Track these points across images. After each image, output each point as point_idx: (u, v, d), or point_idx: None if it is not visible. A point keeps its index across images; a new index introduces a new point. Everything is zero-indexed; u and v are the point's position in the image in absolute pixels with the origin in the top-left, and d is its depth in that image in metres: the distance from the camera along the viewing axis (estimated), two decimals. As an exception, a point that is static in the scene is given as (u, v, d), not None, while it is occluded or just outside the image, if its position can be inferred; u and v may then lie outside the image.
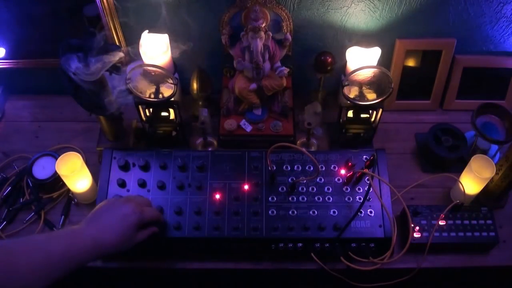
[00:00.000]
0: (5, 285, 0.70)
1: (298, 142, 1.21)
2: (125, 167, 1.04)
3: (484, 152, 1.17)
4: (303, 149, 1.00)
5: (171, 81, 1.02)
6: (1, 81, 1.32)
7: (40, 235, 0.97)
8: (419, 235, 1.02)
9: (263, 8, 1.05)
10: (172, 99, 1.03)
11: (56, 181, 1.11)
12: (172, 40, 1.05)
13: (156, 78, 1.04)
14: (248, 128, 1.18)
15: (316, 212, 1.00)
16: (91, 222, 0.87)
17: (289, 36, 1.11)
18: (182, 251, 1.02)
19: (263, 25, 1.04)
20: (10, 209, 1.10)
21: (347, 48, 1.10)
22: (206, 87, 1.20)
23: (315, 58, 1.16)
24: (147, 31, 1.04)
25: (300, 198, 1.01)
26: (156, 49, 1.03)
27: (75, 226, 0.86)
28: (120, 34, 1.15)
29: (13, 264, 0.72)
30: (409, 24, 1.15)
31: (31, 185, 1.13)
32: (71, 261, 0.78)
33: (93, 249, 0.82)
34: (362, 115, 1.11)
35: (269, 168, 1.03)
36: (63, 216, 1.10)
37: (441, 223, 1.03)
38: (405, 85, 1.26)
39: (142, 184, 1.02)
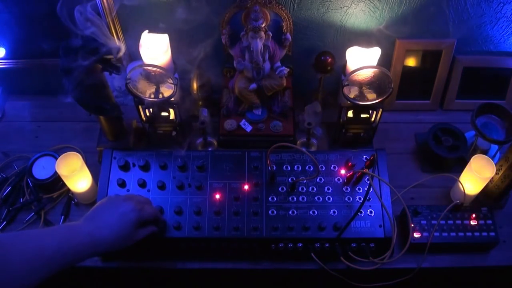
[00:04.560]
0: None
1: (298, 142, 1.21)
2: (125, 167, 1.04)
3: (484, 152, 1.17)
4: (303, 149, 1.00)
5: (171, 81, 1.02)
6: (1, 81, 1.32)
7: (35, 230, 0.97)
8: (419, 235, 1.02)
9: (263, 8, 1.05)
10: (172, 99, 1.03)
11: (56, 181, 1.11)
12: (172, 40, 1.05)
13: (156, 78, 1.04)
14: (248, 128, 1.18)
15: (316, 212, 1.00)
16: (89, 219, 0.87)
17: (289, 36, 1.11)
18: (182, 251, 1.02)
19: (263, 25, 1.04)
20: (10, 209, 1.10)
21: (347, 48, 1.10)
22: (206, 87, 1.20)
23: (315, 58, 1.16)
24: (147, 31, 1.04)
25: (300, 198, 1.01)
26: (156, 49, 1.03)
27: (74, 222, 0.86)
28: (120, 34, 1.15)
29: (5, 257, 0.72)
30: (409, 24, 1.15)
31: (31, 185, 1.13)
32: (65, 256, 0.78)
33: (90, 246, 0.82)
34: (362, 115, 1.11)
35: (269, 168, 1.03)
36: (63, 216, 1.10)
37: (441, 223, 1.03)
38: (405, 85, 1.26)
39: (142, 184, 1.02)
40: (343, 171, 1.04)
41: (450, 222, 1.03)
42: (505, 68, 1.23)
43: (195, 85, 1.18)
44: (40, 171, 1.12)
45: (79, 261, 0.81)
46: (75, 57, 0.92)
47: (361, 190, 1.02)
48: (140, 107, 1.08)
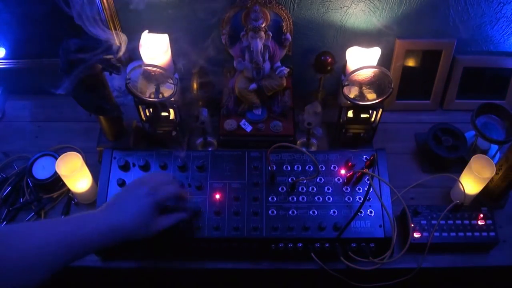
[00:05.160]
0: (14, 265, 0.70)
1: (298, 142, 1.21)
2: (125, 167, 1.04)
3: (484, 152, 1.17)
4: (303, 149, 1.00)
5: (171, 81, 1.02)
6: (1, 81, 1.32)
7: (52, 219, 0.97)
8: (419, 235, 1.02)
9: (263, 8, 1.05)
10: (172, 99, 1.03)
11: (56, 181, 1.11)
12: (172, 40, 1.05)
13: (156, 78, 1.04)
14: (248, 128, 1.18)
15: (316, 212, 1.00)
16: (107, 206, 0.86)
17: (289, 36, 1.11)
18: (182, 251, 1.02)
19: (263, 25, 1.04)
20: (10, 209, 1.10)
21: (347, 48, 1.10)
22: (206, 87, 1.20)
23: (315, 58, 1.16)
24: (147, 31, 1.04)
25: (300, 198, 1.01)
26: (156, 49, 1.03)
27: (91, 211, 0.85)
28: (120, 34, 1.15)
29: (20, 245, 0.72)
30: (409, 24, 1.16)
31: (31, 185, 1.13)
32: (83, 242, 0.78)
33: (108, 232, 0.80)
34: (362, 115, 1.11)
35: (269, 168, 1.03)
36: (63, 216, 1.10)
37: (441, 223, 1.03)
38: (405, 85, 1.26)
39: (142, 184, 1.02)
40: (343, 171, 1.04)
41: (450, 222, 1.03)
42: (505, 68, 1.23)
43: (195, 85, 1.18)
44: (40, 171, 1.12)
45: (98, 247, 0.80)
46: (75, 57, 0.92)
47: (361, 190, 1.02)
48: (140, 107, 1.08)
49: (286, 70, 1.13)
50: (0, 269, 0.69)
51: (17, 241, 0.73)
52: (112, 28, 1.12)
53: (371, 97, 1.06)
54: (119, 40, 1.08)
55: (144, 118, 1.12)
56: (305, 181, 1.03)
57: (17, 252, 0.71)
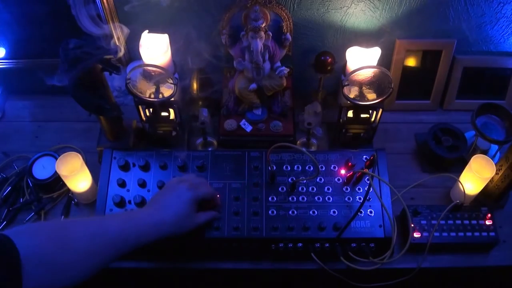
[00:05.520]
0: (62, 258, 0.72)
1: (298, 142, 1.21)
2: (125, 167, 1.04)
3: (484, 152, 1.17)
4: (303, 149, 1.00)
5: (171, 81, 1.02)
6: (1, 81, 1.32)
7: (97, 216, 1.00)
8: (419, 235, 1.02)
9: (263, 8, 1.05)
10: (172, 99, 1.03)
11: (56, 181, 1.11)
12: (172, 40, 1.05)
13: (156, 78, 1.04)
14: (248, 128, 1.18)
15: (316, 212, 1.00)
16: (149, 204, 0.91)
17: (289, 36, 1.11)
18: (182, 251, 1.02)
19: (263, 25, 1.04)
20: (10, 209, 1.10)
21: (347, 48, 1.10)
22: (206, 87, 1.20)
23: (315, 58, 1.16)
24: (147, 31, 1.04)
25: (300, 198, 1.01)
26: (156, 49, 1.03)
27: (133, 210, 0.91)
28: (120, 34, 1.15)
29: (68, 237, 0.74)
30: (409, 24, 1.16)
31: (31, 185, 1.13)
32: (128, 238, 0.81)
33: (152, 228, 0.84)
34: (362, 115, 1.11)
35: (269, 168, 1.03)
36: (63, 216, 1.10)
37: (441, 223, 1.03)
38: (405, 85, 1.26)
39: (142, 184, 1.02)
40: (343, 171, 1.04)
41: (450, 222, 1.03)
42: (505, 68, 1.23)
43: (195, 85, 1.18)
44: (40, 171, 1.12)
45: (144, 243, 0.83)
46: (75, 57, 0.92)
47: (361, 190, 1.02)
48: (140, 107, 1.08)
49: (286, 70, 1.13)
50: (46, 268, 0.69)
51: (67, 239, 0.74)
52: (112, 28, 1.12)
53: (371, 97, 1.06)
54: (118, 33, 1.08)
55: (144, 118, 1.12)
56: (305, 181, 1.03)
57: (66, 251, 0.73)
